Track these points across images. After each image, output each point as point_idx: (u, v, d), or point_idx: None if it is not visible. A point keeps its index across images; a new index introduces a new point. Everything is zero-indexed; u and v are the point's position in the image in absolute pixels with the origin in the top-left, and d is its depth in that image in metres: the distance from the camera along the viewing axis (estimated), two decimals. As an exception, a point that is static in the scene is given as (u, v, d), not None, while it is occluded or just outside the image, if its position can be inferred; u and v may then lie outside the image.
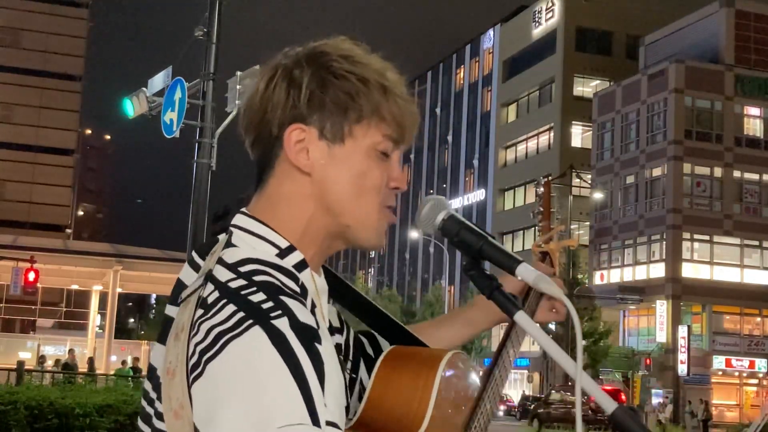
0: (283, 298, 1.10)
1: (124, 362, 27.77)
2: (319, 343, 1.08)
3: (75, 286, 36.82)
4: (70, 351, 27.21)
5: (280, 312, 1.08)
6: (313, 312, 1.14)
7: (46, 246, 30.16)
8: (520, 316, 1.22)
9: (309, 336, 1.07)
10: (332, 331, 1.36)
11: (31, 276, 25.04)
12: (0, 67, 74.06)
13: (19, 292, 27.98)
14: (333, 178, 1.23)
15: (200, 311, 1.12)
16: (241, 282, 1.12)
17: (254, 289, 1.11)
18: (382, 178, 1.25)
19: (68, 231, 74.79)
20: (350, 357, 1.42)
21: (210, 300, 1.12)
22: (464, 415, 1.35)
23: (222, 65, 14.34)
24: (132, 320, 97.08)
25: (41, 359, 28.28)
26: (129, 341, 46.32)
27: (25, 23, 75.10)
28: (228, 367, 1.05)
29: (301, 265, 1.20)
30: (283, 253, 1.20)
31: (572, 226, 45.92)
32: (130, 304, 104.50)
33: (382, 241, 1.28)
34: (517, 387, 51.77)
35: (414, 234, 60.34)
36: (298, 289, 1.14)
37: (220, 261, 1.17)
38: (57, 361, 28.67)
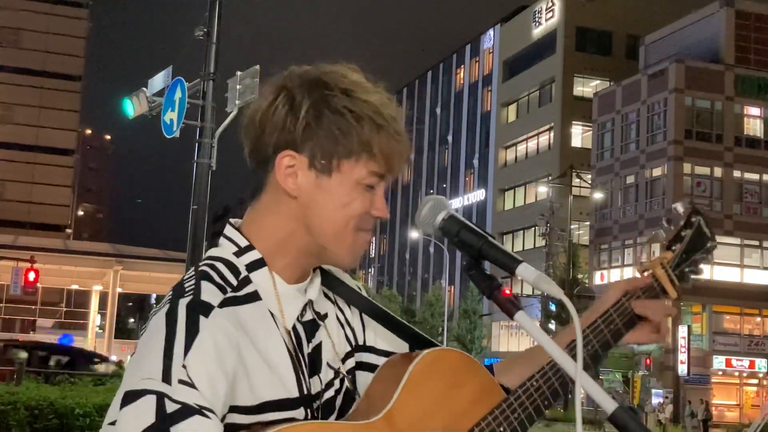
0: (202, 282, 1.27)
1: (120, 363, 27.77)
2: (205, 316, 1.21)
3: (75, 286, 36.85)
4: (70, 351, 27.16)
5: (191, 293, 1.25)
6: (244, 300, 1.28)
7: (46, 246, 30.18)
8: (520, 316, 1.22)
9: (197, 309, 1.22)
10: (384, 354, 1.47)
11: (31, 276, 25.04)
12: (0, 67, 74.07)
13: (19, 292, 27.99)
14: (318, 205, 1.32)
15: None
16: (191, 273, 1.30)
17: (191, 275, 1.29)
18: (362, 209, 1.34)
19: (68, 231, 74.84)
20: None
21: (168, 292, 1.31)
22: (462, 418, 1.35)
23: (222, 65, 14.35)
24: (132, 320, 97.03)
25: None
26: (129, 341, 46.26)
27: (25, 23, 75.16)
28: (142, 338, 1.25)
29: (256, 264, 1.34)
30: (240, 252, 1.34)
31: (572, 226, 45.92)
32: (130, 304, 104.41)
33: (356, 262, 1.39)
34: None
35: (414, 234, 60.32)
36: (233, 281, 1.30)
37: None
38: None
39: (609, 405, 1.12)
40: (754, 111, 43.70)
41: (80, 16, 79.55)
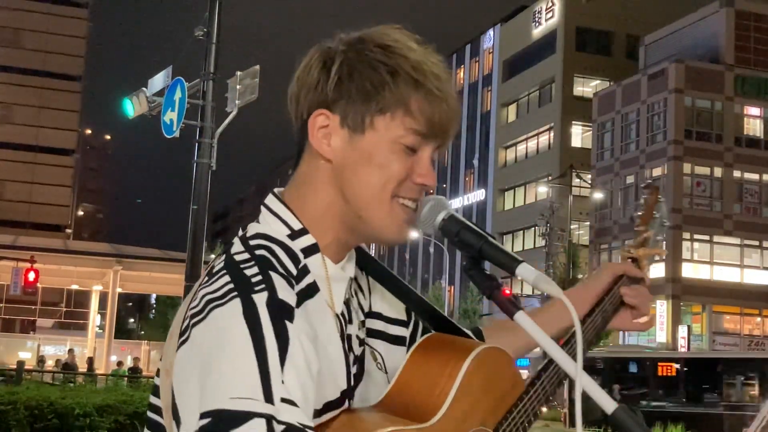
0: (271, 273, 1.15)
1: (119, 363, 27.81)
2: (290, 321, 1.12)
3: (75, 286, 36.81)
4: (70, 351, 27.23)
5: (263, 287, 1.13)
6: (307, 293, 1.19)
7: (46, 246, 30.15)
8: (520, 316, 1.22)
9: (281, 313, 1.11)
10: (391, 321, 1.41)
11: (31, 276, 25.02)
12: (0, 67, 74.08)
13: (19, 292, 27.97)
14: (351, 167, 1.24)
15: (205, 279, 1.18)
16: (245, 255, 1.18)
17: (252, 263, 1.16)
18: (401, 172, 1.24)
19: (68, 231, 74.83)
20: None
21: (215, 269, 1.18)
22: (493, 413, 1.33)
23: (222, 65, 14.34)
24: (132, 320, 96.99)
25: (41, 360, 28.31)
26: (129, 341, 46.37)
27: (25, 23, 75.15)
28: (206, 334, 1.11)
29: (311, 250, 1.24)
30: (294, 235, 1.25)
31: (572, 226, 45.93)
32: (130, 304, 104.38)
33: (401, 236, 1.28)
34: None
35: (414, 234, 60.26)
36: (294, 270, 1.19)
37: (241, 234, 1.24)
38: (57, 362, 28.70)
39: (609, 405, 1.12)
40: (754, 111, 43.70)
41: (80, 16, 79.54)
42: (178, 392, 1.13)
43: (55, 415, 9.55)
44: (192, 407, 1.09)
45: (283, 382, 1.08)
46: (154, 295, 73.13)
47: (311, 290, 1.21)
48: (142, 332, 70.15)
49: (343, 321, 1.28)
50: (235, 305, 1.11)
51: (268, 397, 1.06)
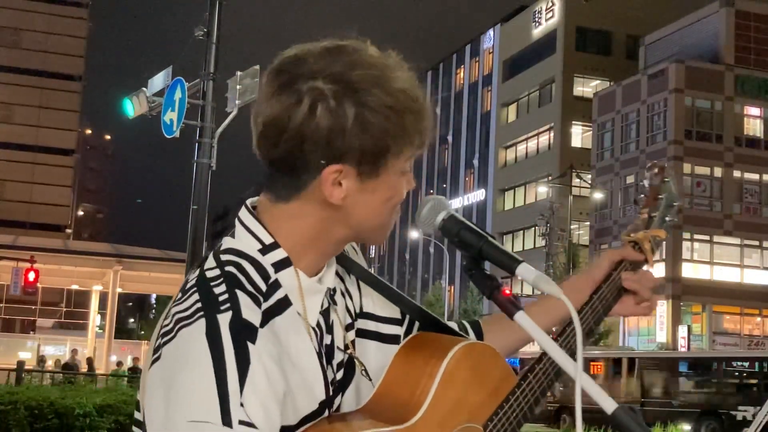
0: (238, 292, 1.16)
1: (119, 363, 27.80)
2: (252, 342, 1.12)
3: (75, 286, 36.81)
4: (73, 351, 27.24)
5: (228, 306, 1.14)
6: (276, 310, 1.19)
7: (46, 246, 30.17)
8: (520, 316, 1.22)
9: (243, 334, 1.12)
10: (384, 320, 1.42)
11: (31, 276, 25.02)
12: (0, 67, 74.10)
13: (19, 292, 27.97)
14: (362, 205, 1.25)
15: (179, 296, 1.19)
16: (215, 272, 1.18)
17: (221, 280, 1.17)
18: (403, 195, 1.29)
19: (68, 231, 74.85)
20: None
21: (187, 286, 1.20)
22: (483, 408, 1.33)
23: (222, 65, 14.35)
24: (132, 320, 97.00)
25: (41, 360, 28.30)
26: (129, 341, 46.32)
27: (25, 23, 75.20)
28: (172, 353, 1.12)
29: (282, 264, 1.24)
30: (265, 250, 1.24)
31: (572, 226, 45.92)
32: (130, 304, 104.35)
33: (387, 236, 1.33)
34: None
35: (414, 234, 60.30)
36: (263, 287, 1.19)
37: (215, 248, 1.24)
38: (57, 362, 28.69)
39: (609, 405, 1.12)
40: (754, 111, 43.70)
41: (80, 16, 79.61)
42: (146, 411, 1.14)
43: (55, 415, 9.55)
44: (156, 427, 1.10)
45: (242, 404, 1.08)
46: (154, 295, 73.18)
47: (281, 306, 1.21)
48: (142, 332, 70.18)
49: (318, 332, 1.28)
50: (200, 325, 1.12)
51: (226, 420, 1.06)
